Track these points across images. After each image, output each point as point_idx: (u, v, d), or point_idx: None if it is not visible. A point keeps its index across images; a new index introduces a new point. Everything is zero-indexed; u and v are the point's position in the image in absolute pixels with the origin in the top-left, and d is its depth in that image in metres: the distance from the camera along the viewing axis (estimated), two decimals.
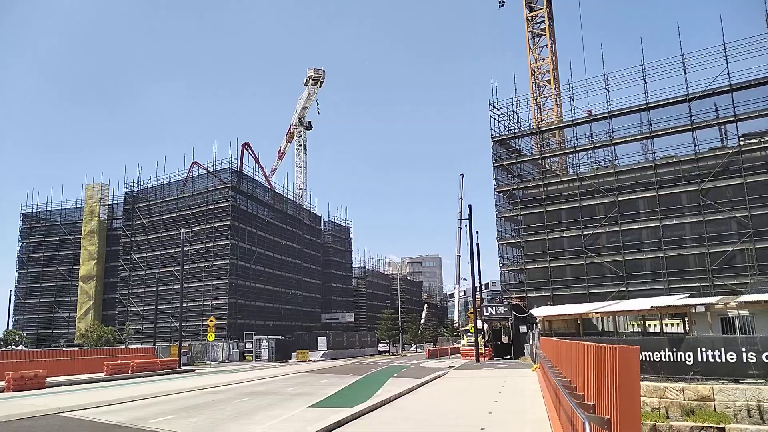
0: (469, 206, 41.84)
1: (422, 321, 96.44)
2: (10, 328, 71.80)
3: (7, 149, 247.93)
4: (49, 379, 24.65)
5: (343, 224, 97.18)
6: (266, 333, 58.94)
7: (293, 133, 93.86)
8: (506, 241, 48.81)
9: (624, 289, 40.98)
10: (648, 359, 18.63)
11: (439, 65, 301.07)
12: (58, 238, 77.73)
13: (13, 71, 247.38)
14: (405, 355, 60.87)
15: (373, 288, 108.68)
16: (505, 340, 49.44)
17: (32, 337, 72.64)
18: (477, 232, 43.49)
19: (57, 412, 15.14)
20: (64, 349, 47.06)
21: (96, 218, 75.81)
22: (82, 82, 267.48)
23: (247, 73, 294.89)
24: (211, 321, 48.46)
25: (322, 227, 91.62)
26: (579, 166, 47.18)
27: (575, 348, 9.30)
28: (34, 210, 79.28)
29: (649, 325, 34.24)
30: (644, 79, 42.02)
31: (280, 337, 55.83)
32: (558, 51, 65.24)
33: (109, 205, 78.54)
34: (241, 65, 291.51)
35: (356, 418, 13.07)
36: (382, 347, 70.60)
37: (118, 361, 32.33)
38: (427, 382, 22.81)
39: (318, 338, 53.42)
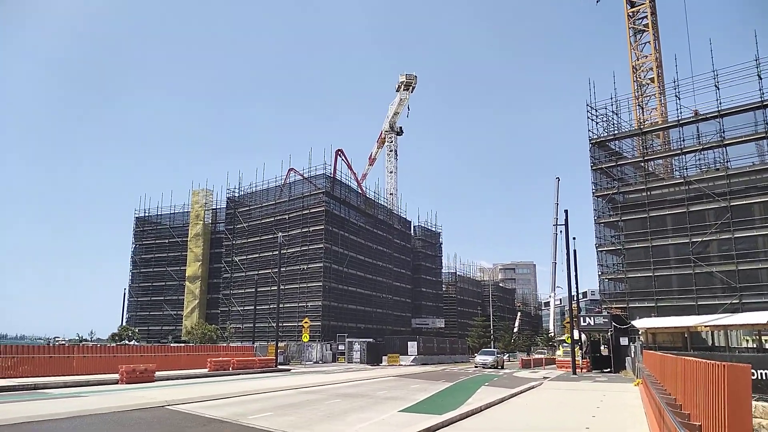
0: (566, 211, 40.25)
1: (515, 329, 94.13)
2: (124, 324, 77.88)
3: (124, 157, 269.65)
4: (157, 373, 26.28)
5: (433, 229, 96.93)
6: (357, 335, 59.91)
7: (384, 138, 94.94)
8: (606, 248, 46.62)
9: (737, 300, 37.89)
10: (764, 378, 17.06)
11: (532, 66, 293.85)
12: (167, 241, 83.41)
13: (129, 85, 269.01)
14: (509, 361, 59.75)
15: (464, 294, 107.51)
16: (604, 352, 47.18)
17: (143, 333, 78.35)
18: (574, 238, 41.76)
19: (164, 405, 16.13)
20: (171, 345, 50.23)
21: (201, 222, 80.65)
22: (190, 94, 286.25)
23: (340, 82, 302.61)
24: (306, 322, 49.90)
25: (412, 232, 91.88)
26: (686, 168, 44.16)
27: (681, 363, 8.70)
28: (146, 214, 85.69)
29: (766, 341, 31.38)
30: (759, 75, 38.76)
31: (371, 340, 56.49)
32: (662, 47, 61.57)
33: (212, 209, 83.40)
34: (334, 74, 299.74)
35: (446, 426, 12.91)
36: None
37: (220, 359, 34.01)
38: (520, 392, 22.16)
39: (408, 343, 53.48)
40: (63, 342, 73.99)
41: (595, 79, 64.64)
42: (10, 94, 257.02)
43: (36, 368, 25.17)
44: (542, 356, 57.99)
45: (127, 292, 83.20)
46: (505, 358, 53.69)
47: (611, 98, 48.68)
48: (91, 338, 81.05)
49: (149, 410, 15.21)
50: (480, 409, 15.96)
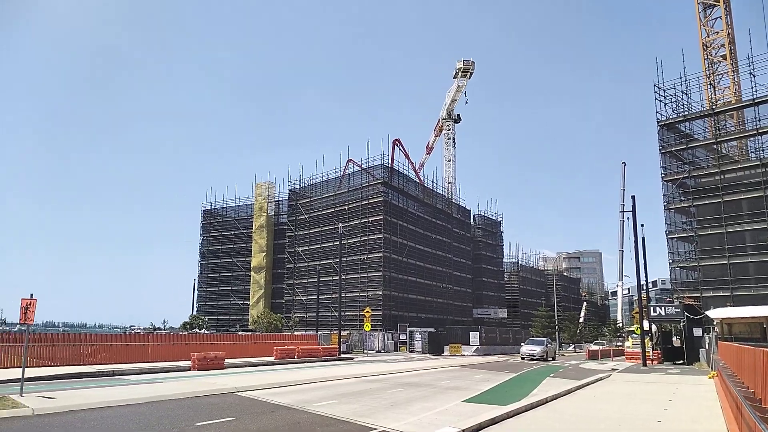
0: (633, 197, 38.69)
1: (581, 320, 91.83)
2: (195, 313, 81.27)
3: (191, 153, 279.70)
4: (226, 361, 27.24)
5: (493, 218, 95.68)
6: (418, 325, 60.05)
7: (442, 126, 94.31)
8: (676, 235, 44.72)
9: None
10: None
11: (594, 46, 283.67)
12: (232, 232, 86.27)
13: (196, 83, 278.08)
14: (562, 355, 58.41)
15: (527, 284, 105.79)
16: (676, 343, 45.31)
17: (212, 321, 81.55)
18: (642, 225, 40.18)
19: (234, 391, 16.75)
20: (239, 333, 51.93)
21: (264, 214, 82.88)
22: (251, 89, 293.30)
23: (396, 71, 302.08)
24: (367, 311, 50.43)
25: (472, 221, 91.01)
26: (762, 150, 41.65)
27: (759, 355, 8.25)
28: (212, 207, 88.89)
29: None
30: None
31: (432, 330, 56.53)
32: (734, 22, 58.03)
33: (275, 201, 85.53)
34: (391, 63, 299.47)
35: (510, 417, 12.78)
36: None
37: (286, 347, 34.91)
38: (587, 384, 21.62)
39: (470, 333, 53.15)
40: (138, 330, 77.82)
41: (663, 58, 61.68)
42: (86, 94, 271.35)
43: (114, 355, 26.65)
44: (610, 347, 56.36)
45: (196, 282, 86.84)
46: (556, 348, 49.29)
47: (680, 78, 46.59)
48: (164, 327, 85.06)
49: (220, 396, 15.83)
50: (546, 401, 15.69)
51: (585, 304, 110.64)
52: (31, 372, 18.65)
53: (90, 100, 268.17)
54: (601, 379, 24.47)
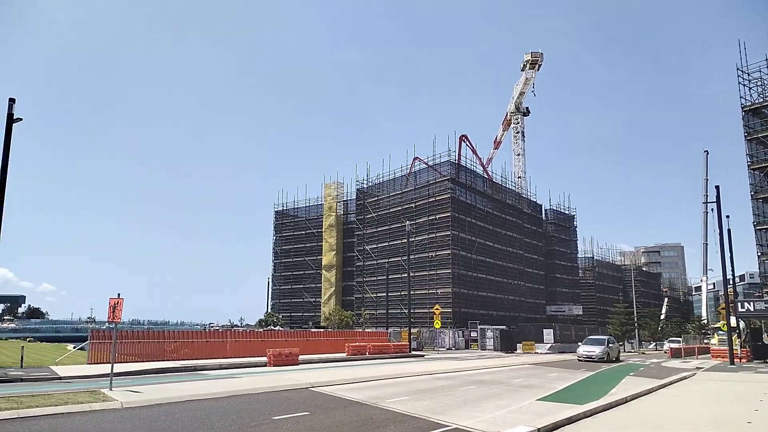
0: (717, 187, 36.51)
1: (662, 316, 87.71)
2: (269, 310, 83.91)
3: (264, 155, 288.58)
4: (300, 357, 27.96)
5: (566, 212, 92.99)
6: (490, 322, 59.29)
7: (510, 120, 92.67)
8: (765, 226, 41.89)
9: None
10: None
11: (669, 27, 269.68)
12: (304, 232, 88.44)
13: (274, 90, 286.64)
14: (642, 353, 56.07)
15: (603, 280, 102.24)
16: (766, 340, 42.56)
17: (286, 318, 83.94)
18: (728, 216, 37.77)
19: (309, 387, 17.17)
20: (312, 330, 53.18)
21: (333, 213, 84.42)
22: (319, 92, 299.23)
23: (461, 66, 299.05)
24: (437, 309, 50.32)
25: (543, 216, 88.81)
26: None
27: None
28: (284, 207, 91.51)
29: None
30: None
31: (504, 327, 55.69)
32: None
33: (344, 201, 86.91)
34: (455, 58, 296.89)
35: (587, 417, 12.41)
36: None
37: (357, 344, 35.41)
38: (670, 383, 20.67)
39: (544, 330, 51.96)
40: (217, 328, 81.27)
41: (747, 40, 57.86)
42: (171, 96, 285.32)
43: (195, 351, 27.94)
44: (695, 345, 53.58)
45: (270, 280, 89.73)
46: (619, 347, 40.96)
47: (766, 60, 43.45)
48: (241, 324, 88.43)
49: (295, 391, 16.28)
50: (626, 400, 15.14)
51: (666, 300, 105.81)
52: (119, 367, 19.84)
53: (178, 109, 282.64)
54: (685, 378, 23.34)
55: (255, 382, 18.18)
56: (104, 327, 60.44)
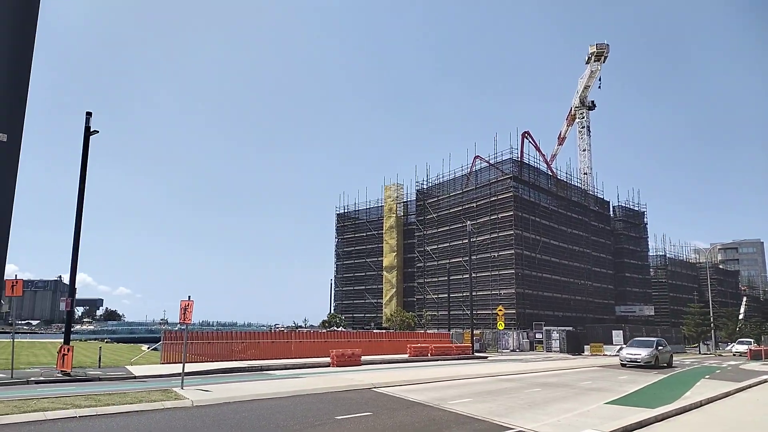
0: None
1: (741, 316, 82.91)
2: (332, 311, 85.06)
3: (324, 161, 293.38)
4: (363, 358, 28.14)
5: (636, 209, 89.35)
6: (555, 324, 57.79)
7: (575, 115, 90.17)
8: None
9: None
10: None
11: (736, 15, 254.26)
12: (364, 234, 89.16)
13: (336, 92, 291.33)
14: (719, 355, 53.19)
15: (676, 278, 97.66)
16: None
17: (348, 319, 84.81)
18: None
19: (371, 387, 17.22)
20: (373, 331, 53.45)
21: (394, 215, 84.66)
22: (379, 94, 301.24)
23: (522, 62, 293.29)
24: (500, 310, 49.44)
25: (611, 213, 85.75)
26: None
27: None
28: (345, 210, 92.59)
29: None
30: None
31: (570, 328, 54.15)
32: None
33: (403, 202, 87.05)
34: (515, 53, 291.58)
35: (659, 421, 11.83)
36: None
37: (419, 345, 35.30)
38: (749, 386, 19.48)
39: (613, 332, 50.09)
40: (282, 329, 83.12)
41: None
42: (235, 108, 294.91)
43: (261, 352, 28.62)
44: None
45: (333, 282, 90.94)
46: (671, 351, 34.29)
47: None
48: (305, 325, 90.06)
49: (358, 391, 16.37)
50: (700, 404, 14.37)
51: (745, 299, 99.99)
52: (190, 367, 20.57)
53: (251, 115, 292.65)
54: (766, 381, 21.94)
55: (318, 382, 18.42)
56: (176, 328, 62.90)
